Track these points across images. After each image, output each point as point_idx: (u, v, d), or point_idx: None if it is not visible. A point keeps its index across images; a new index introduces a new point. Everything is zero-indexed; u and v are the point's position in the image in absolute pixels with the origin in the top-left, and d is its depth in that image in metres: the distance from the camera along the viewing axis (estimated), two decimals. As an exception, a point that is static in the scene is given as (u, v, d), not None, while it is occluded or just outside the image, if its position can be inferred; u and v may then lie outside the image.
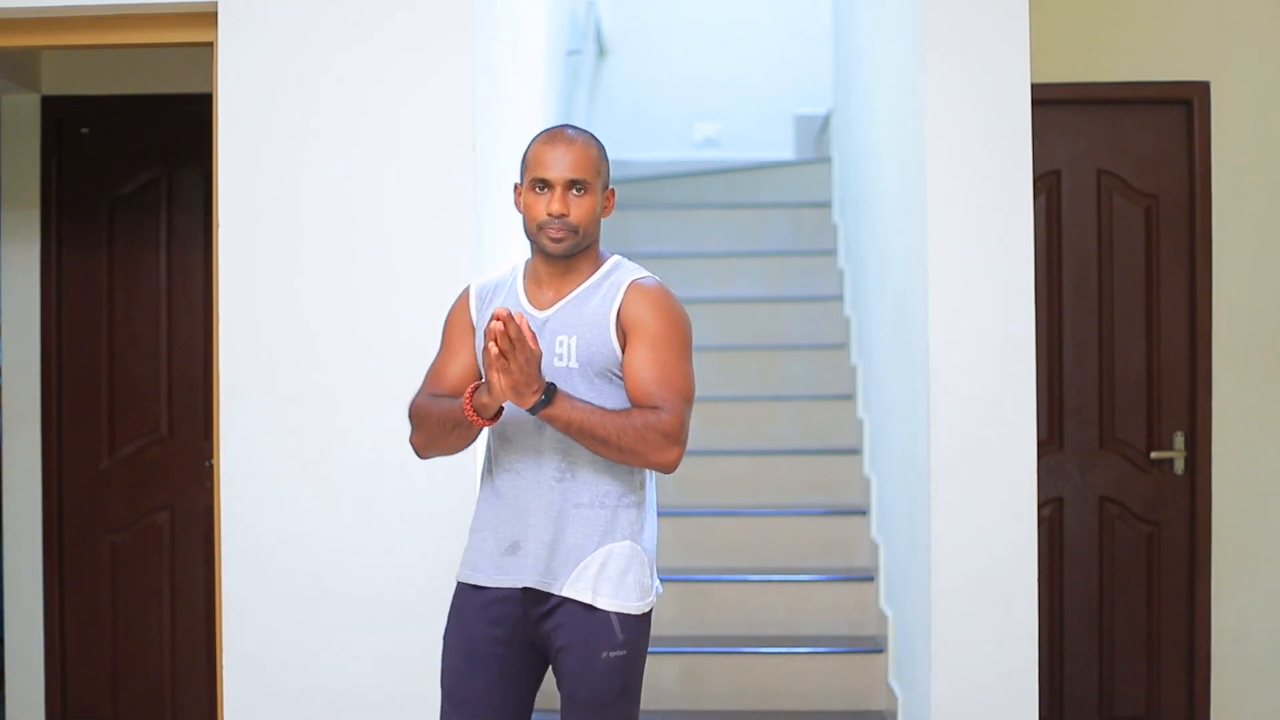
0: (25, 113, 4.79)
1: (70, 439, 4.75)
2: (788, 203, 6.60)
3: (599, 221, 2.75)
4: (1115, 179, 4.53)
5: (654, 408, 2.63)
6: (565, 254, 2.72)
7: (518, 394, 2.54)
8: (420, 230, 3.50)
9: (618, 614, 2.69)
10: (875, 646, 4.46)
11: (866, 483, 4.98)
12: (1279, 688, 4.43)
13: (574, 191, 2.70)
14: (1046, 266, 4.49)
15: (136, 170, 4.80)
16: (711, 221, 6.56)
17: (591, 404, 2.63)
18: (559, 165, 2.69)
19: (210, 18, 3.57)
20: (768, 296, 6.05)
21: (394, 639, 3.46)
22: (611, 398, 2.69)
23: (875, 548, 4.75)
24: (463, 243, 3.48)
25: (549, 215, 2.69)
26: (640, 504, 2.75)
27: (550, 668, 2.79)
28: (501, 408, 2.62)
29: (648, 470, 2.76)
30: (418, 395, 2.80)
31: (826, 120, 6.90)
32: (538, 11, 5.26)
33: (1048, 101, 4.12)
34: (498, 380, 2.53)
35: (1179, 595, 4.47)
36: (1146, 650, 4.48)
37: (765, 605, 4.71)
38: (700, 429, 5.42)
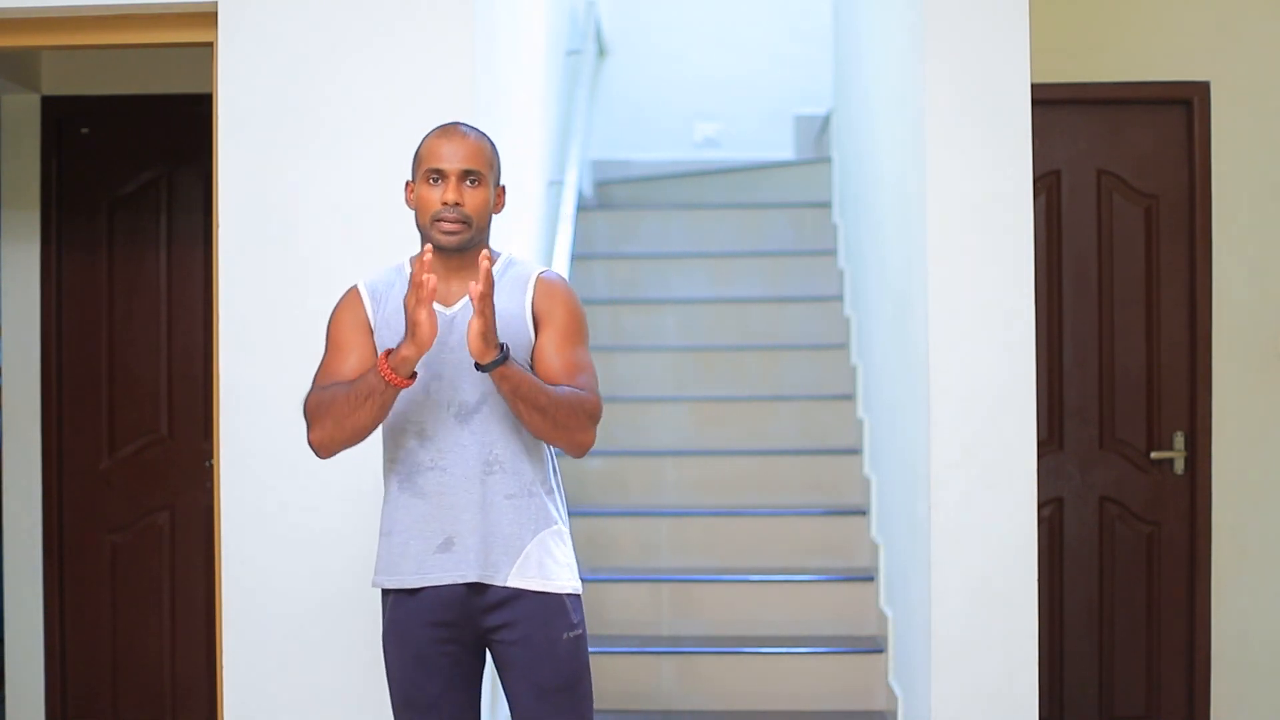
0: (25, 113, 4.79)
1: (70, 439, 4.75)
2: (788, 203, 6.60)
3: (491, 216, 2.78)
4: (1115, 179, 4.53)
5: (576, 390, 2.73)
6: (458, 247, 2.72)
7: (486, 342, 2.56)
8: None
9: (569, 595, 2.77)
10: (875, 646, 4.46)
11: (866, 483, 4.98)
12: (1279, 688, 4.43)
13: (468, 182, 2.72)
14: (1046, 266, 4.49)
15: (136, 170, 4.80)
16: (711, 221, 6.56)
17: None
18: (453, 156, 2.72)
19: (210, 18, 3.57)
20: (768, 296, 6.05)
21: (394, 639, 3.46)
22: None
23: (875, 548, 4.75)
24: (463, 243, 3.48)
25: (443, 204, 2.70)
26: (558, 487, 2.84)
27: (493, 662, 2.80)
28: (415, 372, 2.61)
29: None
30: (312, 395, 2.74)
31: (826, 120, 6.90)
32: (538, 11, 5.26)
33: (1048, 101, 4.12)
34: (472, 325, 2.54)
35: (1179, 595, 4.47)
36: (1146, 650, 4.48)
37: (765, 605, 4.71)
38: (700, 429, 5.44)
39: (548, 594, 2.74)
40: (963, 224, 3.53)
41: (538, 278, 2.80)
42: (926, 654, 3.58)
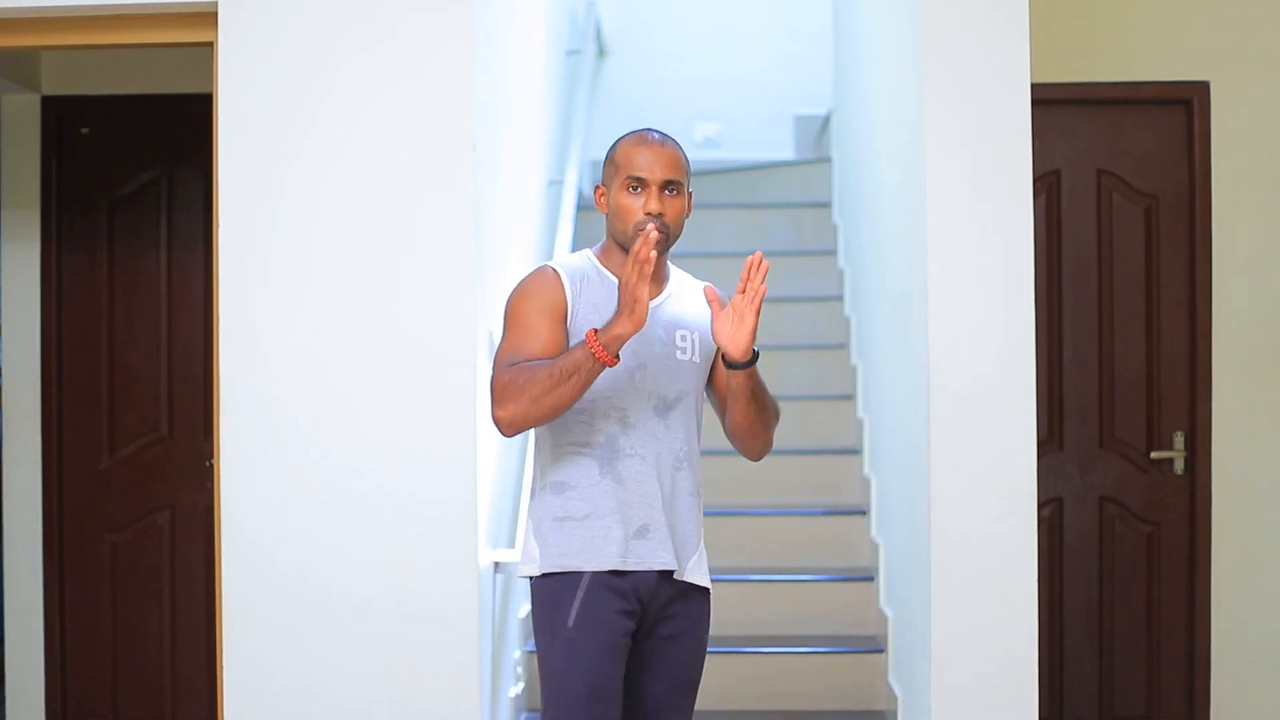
0: (25, 113, 4.79)
1: (70, 439, 4.75)
2: (788, 203, 6.60)
3: (683, 223, 2.85)
4: (1115, 179, 4.53)
5: None
6: (658, 253, 2.75)
7: (752, 339, 2.71)
8: (420, 230, 3.50)
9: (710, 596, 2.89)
10: (875, 646, 4.46)
11: (866, 483, 4.98)
12: (1279, 688, 4.43)
13: (667, 191, 2.77)
14: (1046, 266, 4.49)
15: (136, 170, 4.80)
16: (711, 221, 6.55)
17: None
18: (656, 166, 2.77)
19: (210, 18, 3.57)
20: (768, 296, 6.01)
21: (395, 639, 3.46)
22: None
23: (875, 548, 4.75)
24: (463, 243, 3.48)
25: (646, 214, 2.75)
26: None
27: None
28: (617, 355, 2.64)
29: None
30: (503, 373, 2.70)
31: (826, 120, 6.90)
32: (538, 11, 5.26)
33: (1048, 101, 4.12)
34: (746, 324, 2.69)
35: (1179, 595, 4.47)
36: (1146, 650, 4.48)
37: (765, 605, 4.71)
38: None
39: (706, 592, 2.85)
40: (963, 224, 3.53)
41: (706, 289, 2.88)
42: (926, 654, 3.58)
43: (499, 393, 2.69)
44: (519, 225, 4.61)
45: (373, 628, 3.47)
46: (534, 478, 2.87)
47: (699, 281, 2.96)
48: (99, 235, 4.78)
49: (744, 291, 2.72)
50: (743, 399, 2.79)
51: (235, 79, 3.52)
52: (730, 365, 2.76)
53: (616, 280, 2.80)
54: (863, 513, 4.94)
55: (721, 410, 2.93)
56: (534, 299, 2.78)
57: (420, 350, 3.48)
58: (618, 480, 2.75)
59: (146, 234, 4.79)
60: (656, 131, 2.84)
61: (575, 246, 5.43)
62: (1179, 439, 4.48)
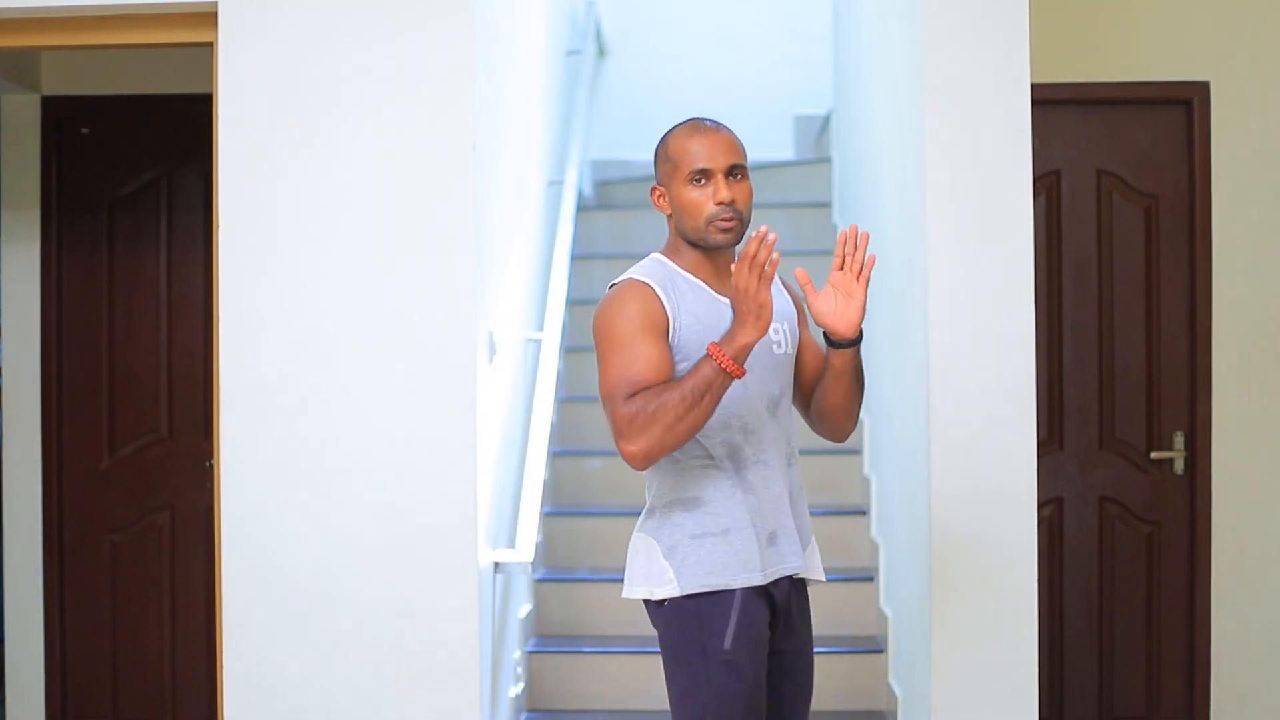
0: (25, 113, 4.80)
1: (70, 439, 4.76)
2: (788, 203, 6.59)
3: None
4: (1115, 179, 4.53)
5: None
6: (734, 243, 2.69)
7: (862, 314, 2.67)
8: (420, 230, 3.50)
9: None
10: (875, 646, 4.46)
11: (866, 483, 4.98)
12: (1279, 688, 4.43)
13: (733, 177, 2.68)
14: (1046, 266, 4.49)
15: (136, 170, 4.80)
16: (711, 221, 6.54)
17: None
18: (717, 154, 2.66)
19: (210, 18, 3.57)
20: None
21: (395, 638, 3.47)
22: None
23: (875, 548, 4.75)
24: (462, 243, 3.48)
25: (719, 204, 2.65)
26: None
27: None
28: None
29: None
30: (626, 405, 2.54)
31: (826, 120, 6.90)
32: (538, 11, 5.27)
33: (1048, 101, 4.12)
34: (856, 299, 2.67)
35: (1179, 595, 4.47)
36: (1146, 650, 4.48)
37: (765, 605, 4.70)
38: (700, 429, 5.43)
39: (815, 585, 2.81)
40: (963, 224, 3.53)
41: (797, 272, 2.77)
42: (926, 654, 3.58)
43: (625, 427, 2.53)
44: (519, 225, 4.62)
45: (372, 627, 3.48)
46: (650, 496, 2.72)
47: None
48: (99, 235, 4.79)
49: (842, 268, 2.67)
50: (847, 376, 2.73)
51: (235, 79, 3.52)
52: (836, 345, 2.69)
53: (702, 283, 2.70)
54: (863, 513, 4.94)
55: (807, 395, 2.86)
56: (635, 318, 2.61)
57: (420, 350, 3.48)
58: (749, 490, 2.67)
59: (146, 234, 4.79)
60: (708, 119, 2.73)
61: (575, 246, 5.43)
62: (1179, 439, 4.48)
